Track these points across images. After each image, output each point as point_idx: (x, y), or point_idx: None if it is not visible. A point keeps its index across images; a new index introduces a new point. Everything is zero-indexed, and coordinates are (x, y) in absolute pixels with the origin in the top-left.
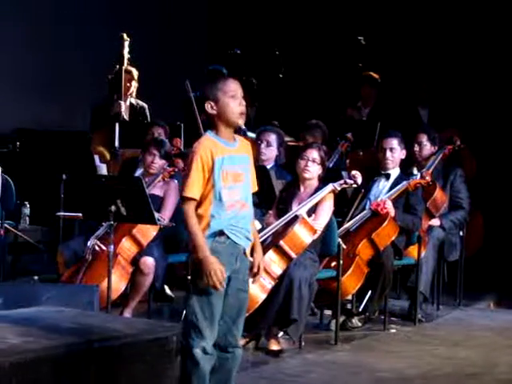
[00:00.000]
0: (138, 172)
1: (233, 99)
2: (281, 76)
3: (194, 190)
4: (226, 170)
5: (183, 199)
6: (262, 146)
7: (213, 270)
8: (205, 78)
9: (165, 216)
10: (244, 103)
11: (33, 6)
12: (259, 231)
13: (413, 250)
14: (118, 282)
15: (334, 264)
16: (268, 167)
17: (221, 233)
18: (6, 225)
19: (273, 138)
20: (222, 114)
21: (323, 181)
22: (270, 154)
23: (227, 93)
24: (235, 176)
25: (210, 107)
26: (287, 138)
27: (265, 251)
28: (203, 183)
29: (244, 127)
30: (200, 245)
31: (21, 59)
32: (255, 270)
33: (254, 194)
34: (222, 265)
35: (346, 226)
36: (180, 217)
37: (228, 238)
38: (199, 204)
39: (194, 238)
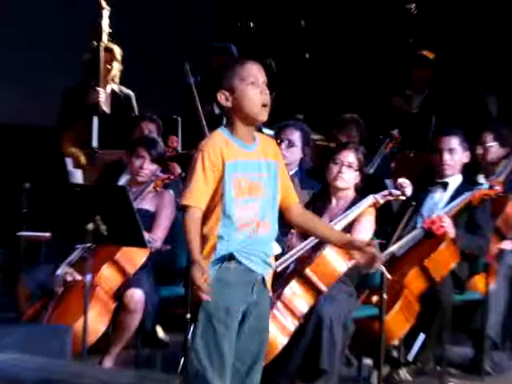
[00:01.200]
0: (123, 180)
1: (252, 87)
2: (307, 56)
3: (197, 196)
4: (238, 178)
5: (183, 208)
6: (283, 146)
7: (194, 274)
8: (209, 59)
9: (157, 236)
10: (268, 92)
11: None
12: (279, 256)
13: (478, 282)
14: (97, 322)
15: (375, 299)
16: (290, 173)
17: (230, 257)
18: None
19: (296, 136)
20: (239, 106)
21: (361, 191)
22: (293, 156)
23: (245, 79)
24: (251, 187)
25: (223, 98)
26: (315, 137)
27: (286, 282)
28: (210, 190)
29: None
30: (194, 250)
31: None
32: (359, 243)
33: None
34: (205, 269)
35: (392, 249)
36: (177, 237)
37: (240, 263)
38: (203, 220)
39: (188, 244)
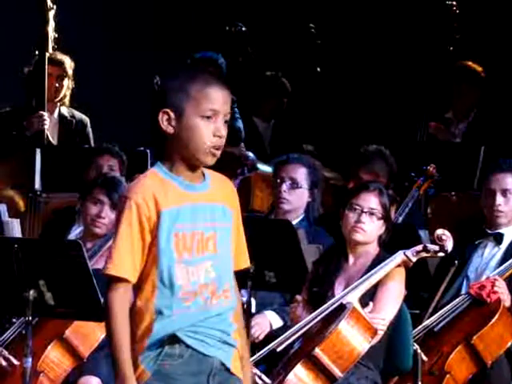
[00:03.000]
0: (75, 232)
1: (208, 121)
2: (319, 70)
3: (124, 264)
4: (182, 230)
5: (108, 281)
6: (284, 187)
7: None
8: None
9: None
10: (224, 132)
11: None
12: (280, 331)
13: None
14: None
15: None
16: (294, 223)
17: (173, 339)
18: None
19: (301, 173)
20: (183, 137)
21: (388, 246)
22: (297, 201)
23: (201, 107)
24: (200, 242)
25: (165, 119)
26: (328, 174)
27: (290, 366)
28: (141, 253)
29: (253, 156)
30: (123, 359)
31: None
32: None
33: (263, 269)
34: None
35: (428, 322)
36: None
37: (187, 346)
38: (136, 291)
39: (115, 347)
